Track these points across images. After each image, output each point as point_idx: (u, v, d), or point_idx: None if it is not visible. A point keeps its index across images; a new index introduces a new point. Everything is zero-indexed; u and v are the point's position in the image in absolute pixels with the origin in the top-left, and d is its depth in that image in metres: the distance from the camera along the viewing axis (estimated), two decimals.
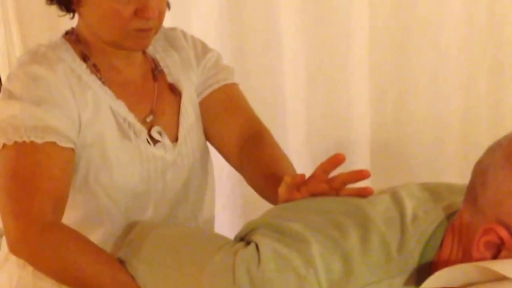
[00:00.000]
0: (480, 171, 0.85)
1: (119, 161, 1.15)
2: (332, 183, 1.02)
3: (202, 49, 1.31)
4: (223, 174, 1.92)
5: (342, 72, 1.90)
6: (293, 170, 1.22)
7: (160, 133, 1.21)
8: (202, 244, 1.01)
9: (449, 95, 1.97)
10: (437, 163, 1.99)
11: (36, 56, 1.14)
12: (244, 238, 0.97)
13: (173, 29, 1.32)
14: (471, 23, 1.92)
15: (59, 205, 1.09)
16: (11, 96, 1.11)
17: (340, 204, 0.97)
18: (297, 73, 1.88)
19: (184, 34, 1.32)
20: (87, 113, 1.13)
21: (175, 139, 1.23)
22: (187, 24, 1.76)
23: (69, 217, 1.13)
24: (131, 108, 1.19)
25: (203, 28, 1.76)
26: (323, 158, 1.07)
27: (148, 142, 1.19)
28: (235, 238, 1.00)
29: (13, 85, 1.11)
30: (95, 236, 1.16)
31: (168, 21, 1.69)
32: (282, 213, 0.99)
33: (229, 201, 1.99)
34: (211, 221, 1.38)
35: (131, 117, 1.18)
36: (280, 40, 1.83)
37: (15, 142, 1.07)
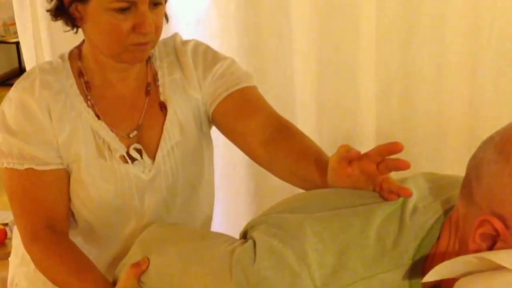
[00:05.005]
0: (474, 165, 0.84)
1: (94, 178, 1.19)
2: (380, 165, 0.97)
3: (212, 60, 1.27)
4: (237, 161, 1.94)
5: (350, 67, 1.90)
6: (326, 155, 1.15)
7: (139, 151, 1.21)
8: (205, 244, 1.00)
9: (452, 89, 1.95)
10: (440, 156, 1.98)
11: (26, 82, 1.19)
12: (246, 233, 0.97)
13: (185, 43, 1.29)
14: (475, 20, 1.90)
15: (55, 221, 1.19)
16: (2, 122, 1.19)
17: (346, 197, 0.95)
18: (307, 67, 1.88)
19: (195, 48, 1.28)
20: (63, 136, 1.17)
21: (154, 157, 1.23)
22: (208, 20, 1.78)
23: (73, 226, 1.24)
24: (115, 124, 1.21)
25: (222, 23, 1.78)
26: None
27: (126, 161, 1.20)
28: (240, 234, 1.00)
29: (3, 110, 1.19)
30: (93, 243, 1.26)
31: (191, 20, 1.68)
32: (287, 206, 0.97)
33: (242, 186, 2.00)
34: (205, 225, 1.37)
35: (110, 137, 1.20)
36: (291, 36, 1.83)
37: (6, 168, 1.19)
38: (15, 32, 2.23)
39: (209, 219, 1.39)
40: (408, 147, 1.93)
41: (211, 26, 1.79)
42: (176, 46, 1.28)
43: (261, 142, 1.21)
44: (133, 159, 1.20)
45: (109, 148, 1.19)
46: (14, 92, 1.18)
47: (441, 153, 1.98)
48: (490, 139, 0.84)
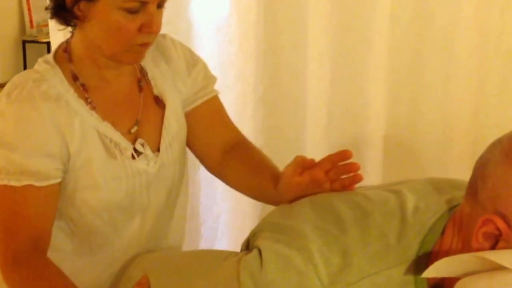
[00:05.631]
0: (481, 165, 0.85)
1: (106, 179, 1.15)
2: (330, 172, 1.04)
3: (192, 58, 1.29)
4: None
5: (361, 74, 1.93)
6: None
7: (142, 145, 1.20)
8: (206, 260, 1.01)
9: (459, 97, 1.98)
10: (446, 161, 2.00)
11: (21, 94, 1.11)
12: (249, 243, 0.99)
13: (163, 37, 1.27)
14: (482, 32, 1.93)
15: (40, 239, 1.12)
16: None
17: (340, 202, 0.97)
18: (320, 73, 1.91)
19: (173, 42, 1.28)
20: (75, 143, 1.12)
21: (157, 150, 1.22)
22: (228, 26, 1.82)
23: (61, 232, 1.19)
24: (117, 121, 1.18)
25: (241, 30, 1.83)
26: None
27: (133, 156, 1.18)
28: (243, 243, 1.02)
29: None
30: (88, 249, 1.21)
31: (211, 26, 1.70)
32: (285, 213, 0.99)
33: None
34: (182, 222, 1.38)
35: (116, 136, 1.17)
36: (307, 44, 1.87)
37: None
38: (47, 33, 2.26)
39: (186, 211, 1.40)
40: (414, 153, 2.00)
41: (230, 32, 1.81)
42: (158, 40, 1.24)
43: (222, 152, 1.28)
44: (138, 154, 1.19)
45: (118, 147, 1.17)
46: (8, 106, 1.10)
47: (446, 160, 2.01)
48: (498, 141, 0.85)
